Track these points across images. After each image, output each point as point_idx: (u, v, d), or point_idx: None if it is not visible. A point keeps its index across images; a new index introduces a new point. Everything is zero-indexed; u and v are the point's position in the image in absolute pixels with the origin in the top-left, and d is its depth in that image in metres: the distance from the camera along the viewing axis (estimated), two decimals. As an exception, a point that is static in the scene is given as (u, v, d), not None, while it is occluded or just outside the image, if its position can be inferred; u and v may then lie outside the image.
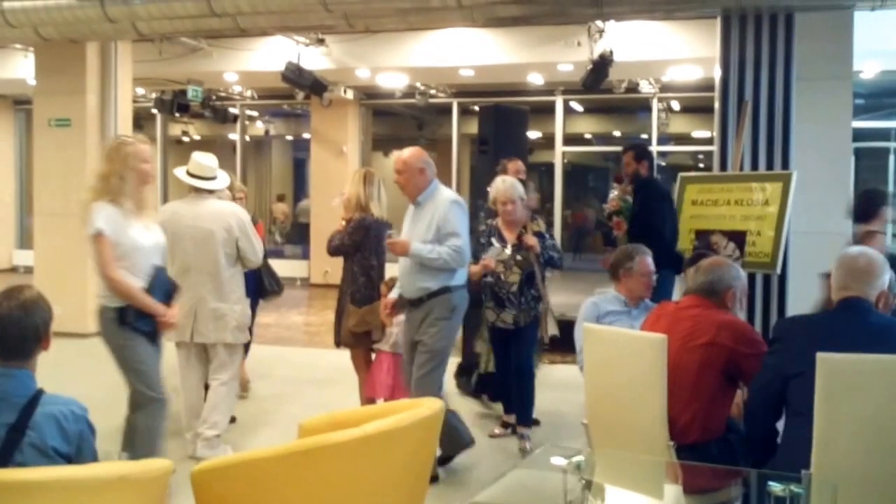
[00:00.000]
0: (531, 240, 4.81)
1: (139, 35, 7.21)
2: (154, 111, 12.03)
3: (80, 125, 8.20)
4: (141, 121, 12.42)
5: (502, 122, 6.75)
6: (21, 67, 10.26)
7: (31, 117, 10.08)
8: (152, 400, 3.70)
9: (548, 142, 12.46)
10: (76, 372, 4.89)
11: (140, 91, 11.59)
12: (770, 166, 6.02)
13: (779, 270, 5.37)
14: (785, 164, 5.99)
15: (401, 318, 4.43)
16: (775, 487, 2.24)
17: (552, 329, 5.03)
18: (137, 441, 3.62)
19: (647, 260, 4.12)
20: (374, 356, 4.86)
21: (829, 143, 6.08)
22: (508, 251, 4.82)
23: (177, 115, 10.87)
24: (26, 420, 2.15)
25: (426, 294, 4.15)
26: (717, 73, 6.28)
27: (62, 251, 7.99)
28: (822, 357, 2.57)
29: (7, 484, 1.94)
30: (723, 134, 6.19)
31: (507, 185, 4.88)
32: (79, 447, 2.23)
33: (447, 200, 4.16)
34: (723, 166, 6.16)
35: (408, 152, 4.26)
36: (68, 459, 2.20)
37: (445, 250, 4.07)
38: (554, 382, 5.95)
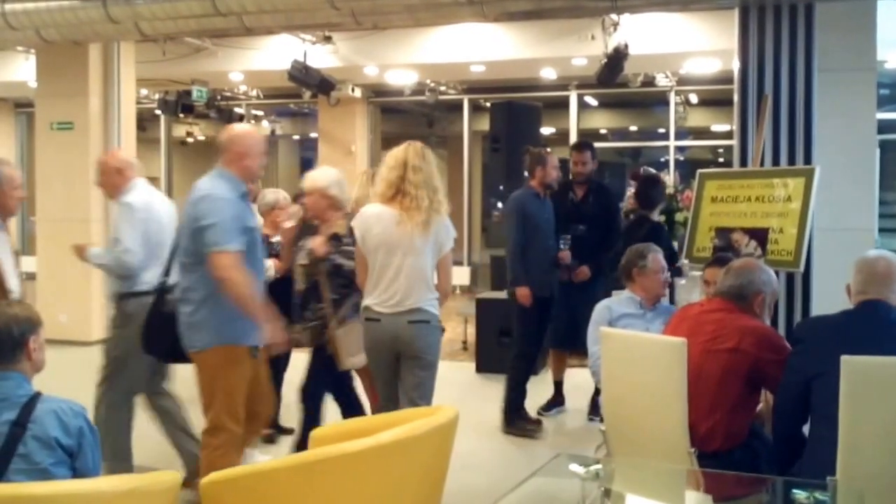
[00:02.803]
0: (314, 241, 4.10)
1: (142, 36, 7.13)
2: (158, 112, 11.96)
3: (82, 128, 8.13)
4: (144, 122, 12.36)
5: (515, 118, 6.63)
6: (22, 70, 10.22)
7: (32, 120, 10.03)
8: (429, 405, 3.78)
9: (561, 138, 12.30)
10: (83, 381, 4.75)
11: (143, 92, 11.53)
12: (792, 161, 5.88)
13: (802, 268, 5.21)
14: (807, 159, 5.84)
15: None
16: (800, 495, 2.21)
17: (346, 360, 4.08)
18: None
19: (658, 256, 4.07)
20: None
21: (853, 136, 5.92)
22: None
23: (181, 116, 10.80)
24: (28, 415, 2.27)
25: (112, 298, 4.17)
26: (735, 66, 6.13)
27: (65, 257, 7.88)
28: (846, 360, 2.51)
29: (15, 498, 1.98)
30: (742, 128, 6.04)
31: (318, 173, 4.29)
32: (79, 443, 2.32)
33: (121, 203, 4.10)
34: (743, 161, 6.01)
35: (106, 153, 4.32)
36: (70, 453, 2.30)
37: (109, 255, 4.05)
38: (568, 387, 5.81)
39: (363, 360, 3.98)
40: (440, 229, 3.64)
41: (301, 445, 4.30)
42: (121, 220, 4.06)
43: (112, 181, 4.20)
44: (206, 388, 3.44)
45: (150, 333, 3.73)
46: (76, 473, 2.32)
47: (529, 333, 5.31)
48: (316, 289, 4.08)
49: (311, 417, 4.26)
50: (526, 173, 5.49)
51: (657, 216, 5.33)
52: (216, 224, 3.27)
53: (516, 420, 5.25)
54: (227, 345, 3.38)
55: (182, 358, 3.57)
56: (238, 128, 3.64)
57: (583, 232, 5.46)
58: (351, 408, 4.30)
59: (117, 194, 4.17)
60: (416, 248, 3.58)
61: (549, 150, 5.55)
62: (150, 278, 4.03)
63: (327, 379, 4.22)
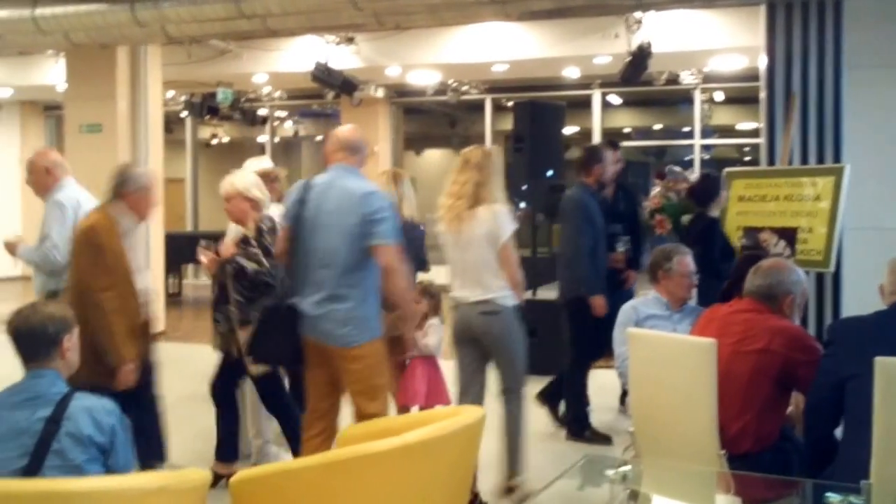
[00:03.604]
0: (223, 243, 4.13)
1: (168, 38, 7.20)
2: (183, 114, 12.08)
3: (110, 130, 8.22)
4: (170, 124, 12.48)
5: (538, 118, 6.58)
6: (51, 73, 10.36)
7: (61, 123, 10.16)
8: (522, 388, 3.99)
9: (584, 137, 12.24)
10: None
11: (169, 94, 11.63)
12: (820, 160, 5.81)
13: (832, 269, 5.15)
14: (836, 157, 5.77)
15: (432, 322, 4.31)
16: (833, 499, 2.17)
17: (251, 363, 3.99)
18: (520, 427, 3.96)
19: (686, 259, 4.00)
20: (406, 363, 4.72)
21: (884, 133, 5.84)
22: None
23: (206, 117, 10.87)
24: (62, 412, 2.31)
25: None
26: (762, 63, 6.06)
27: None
28: (880, 361, 2.45)
29: (48, 493, 2.01)
30: (770, 126, 5.98)
31: (236, 176, 4.25)
32: (112, 441, 2.36)
33: (50, 200, 4.25)
34: (770, 160, 5.94)
35: (35, 153, 4.40)
36: (103, 450, 2.34)
37: (37, 252, 4.19)
38: (593, 387, 5.77)
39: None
40: (492, 222, 3.81)
41: (222, 446, 4.28)
42: (50, 217, 4.20)
43: (41, 181, 4.32)
44: (368, 380, 3.44)
45: (272, 338, 3.54)
46: (109, 470, 2.35)
47: (590, 342, 5.02)
48: (225, 291, 4.09)
49: (229, 416, 4.29)
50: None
51: (714, 212, 5.18)
52: (390, 218, 3.39)
53: (583, 431, 5.09)
54: (380, 337, 3.50)
55: (296, 360, 3.52)
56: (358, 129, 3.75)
57: (620, 231, 5.31)
58: (227, 411, 4.31)
59: (46, 193, 4.30)
60: (471, 243, 3.84)
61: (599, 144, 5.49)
62: None
63: (236, 378, 4.25)
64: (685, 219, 5.96)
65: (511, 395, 3.98)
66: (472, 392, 4.01)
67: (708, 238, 4.88)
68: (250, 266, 4.00)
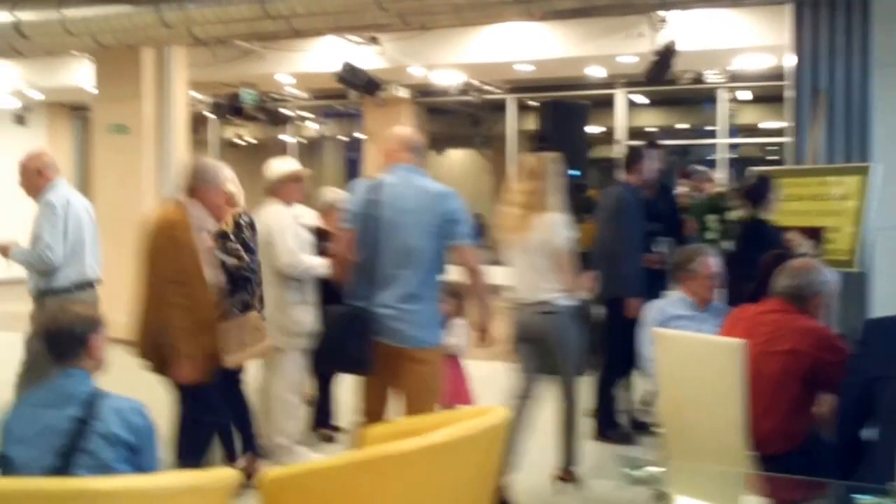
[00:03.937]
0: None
1: (194, 39, 7.24)
2: (208, 115, 12.16)
3: (136, 131, 8.29)
4: (195, 124, 12.60)
5: (562, 117, 6.59)
6: (78, 75, 10.47)
7: (87, 124, 10.26)
8: (576, 385, 4.15)
9: (608, 137, 12.17)
10: (143, 380, 4.86)
11: (195, 95, 11.73)
12: (848, 159, 5.73)
13: (860, 268, 5.09)
14: (864, 156, 5.69)
15: (456, 322, 4.34)
16: (862, 500, 2.15)
17: (225, 356, 3.86)
18: (574, 421, 4.13)
19: (709, 261, 3.99)
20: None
21: (914, 132, 5.73)
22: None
23: (231, 118, 10.94)
24: (91, 412, 2.33)
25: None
26: (789, 62, 5.99)
27: (121, 258, 8.04)
28: None
29: (77, 492, 2.04)
30: (797, 125, 5.91)
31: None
32: (140, 440, 2.38)
33: (41, 202, 4.32)
34: (797, 159, 5.87)
35: (27, 155, 4.45)
36: (132, 449, 2.35)
37: (32, 254, 4.27)
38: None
39: (245, 357, 4.03)
40: (549, 229, 3.97)
41: (244, 443, 4.19)
42: (42, 218, 4.26)
43: (33, 182, 4.38)
44: (430, 382, 3.39)
45: (347, 344, 3.37)
46: (137, 470, 2.36)
47: (629, 344, 4.86)
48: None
49: (235, 413, 4.19)
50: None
51: (763, 214, 5.10)
52: (466, 220, 3.44)
53: (608, 431, 5.06)
54: (443, 342, 3.57)
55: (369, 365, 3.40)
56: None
57: (657, 230, 5.23)
58: (230, 410, 4.15)
59: (38, 194, 4.36)
60: (529, 249, 4.01)
61: (644, 143, 5.40)
62: (69, 274, 4.25)
63: (229, 374, 4.09)
64: (711, 218, 5.93)
65: (566, 392, 4.13)
66: (521, 394, 4.13)
67: (756, 239, 4.84)
68: (230, 261, 4.01)
